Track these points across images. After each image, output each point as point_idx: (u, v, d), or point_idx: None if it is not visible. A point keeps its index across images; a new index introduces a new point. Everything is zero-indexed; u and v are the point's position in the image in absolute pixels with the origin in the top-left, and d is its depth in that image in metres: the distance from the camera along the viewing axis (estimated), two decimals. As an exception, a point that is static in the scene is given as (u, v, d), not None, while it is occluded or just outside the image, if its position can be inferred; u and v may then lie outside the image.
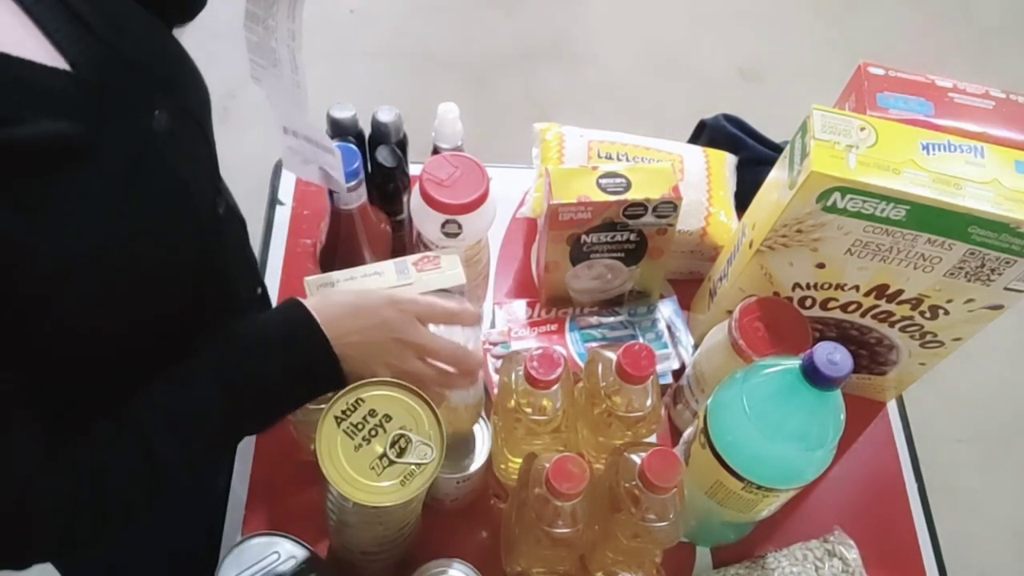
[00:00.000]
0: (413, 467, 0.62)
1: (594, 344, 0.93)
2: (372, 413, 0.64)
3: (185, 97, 0.65)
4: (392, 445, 0.62)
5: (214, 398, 0.62)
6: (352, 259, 0.82)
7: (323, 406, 0.65)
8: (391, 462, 0.62)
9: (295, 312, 0.65)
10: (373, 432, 0.63)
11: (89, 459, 0.59)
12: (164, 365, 0.63)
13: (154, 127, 0.59)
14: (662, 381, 0.92)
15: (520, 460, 0.73)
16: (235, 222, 0.78)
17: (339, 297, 0.68)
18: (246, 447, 0.87)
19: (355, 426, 0.63)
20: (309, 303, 0.65)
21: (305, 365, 0.65)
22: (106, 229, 0.55)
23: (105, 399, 0.61)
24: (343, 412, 0.64)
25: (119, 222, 0.56)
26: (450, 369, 0.68)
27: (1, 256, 0.49)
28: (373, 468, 0.62)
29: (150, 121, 0.59)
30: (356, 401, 0.64)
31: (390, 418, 0.64)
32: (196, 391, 0.62)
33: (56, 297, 0.54)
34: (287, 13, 0.60)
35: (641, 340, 0.94)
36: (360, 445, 0.63)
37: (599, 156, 0.99)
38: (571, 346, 0.93)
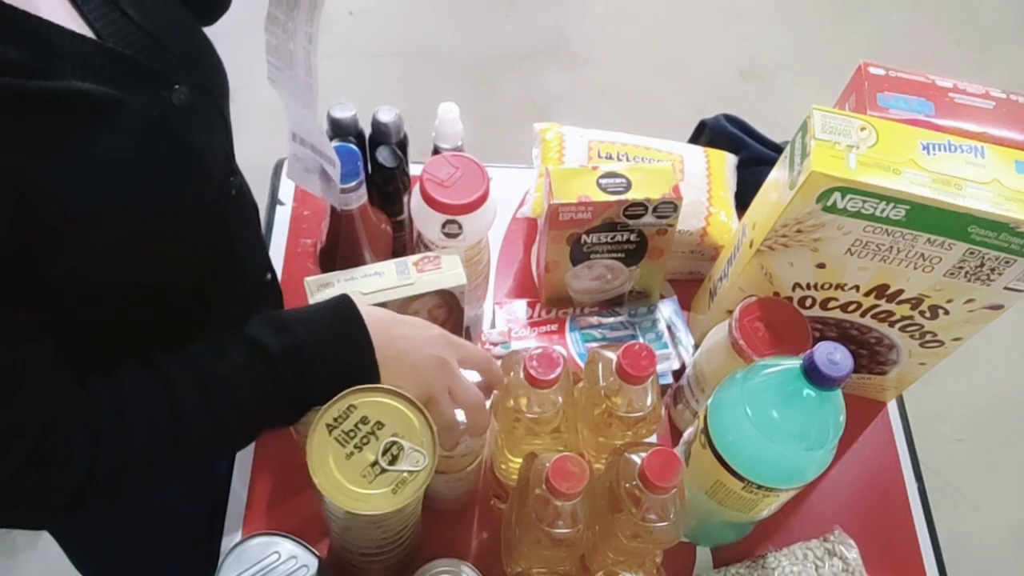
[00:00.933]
0: (405, 474, 0.62)
1: (594, 344, 0.93)
2: (364, 420, 0.63)
3: (205, 76, 0.67)
4: (384, 453, 0.62)
5: (248, 366, 0.63)
6: (352, 259, 0.82)
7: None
8: (383, 470, 0.62)
9: (343, 304, 0.67)
10: (365, 440, 0.63)
11: (112, 400, 0.60)
12: (177, 341, 0.64)
13: (173, 100, 0.61)
14: (662, 381, 0.92)
15: (520, 460, 0.73)
16: (247, 205, 0.79)
17: (385, 310, 0.70)
18: (246, 447, 0.87)
19: (347, 433, 0.63)
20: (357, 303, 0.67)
21: (346, 353, 0.65)
22: (122, 185, 0.56)
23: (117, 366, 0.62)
24: (335, 420, 0.63)
25: (135, 181, 0.58)
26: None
27: (24, 197, 0.51)
28: (364, 476, 0.61)
29: (170, 94, 0.61)
30: (348, 408, 0.64)
31: (382, 425, 0.63)
32: (232, 357, 0.63)
33: (71, 245, 0.55)
34: (306, 17, 0.61)
35: (641, 340, 0.94)
36: (352, 453, 0.62)
37: (599, 156, 0.99)
38: (571, 346, 0.93)
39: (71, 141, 0.53)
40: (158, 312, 0.66)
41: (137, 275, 0.62)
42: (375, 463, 0.62)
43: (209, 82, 0.67)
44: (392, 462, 0.62)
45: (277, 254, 1.01)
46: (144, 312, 0.65)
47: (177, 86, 0.61)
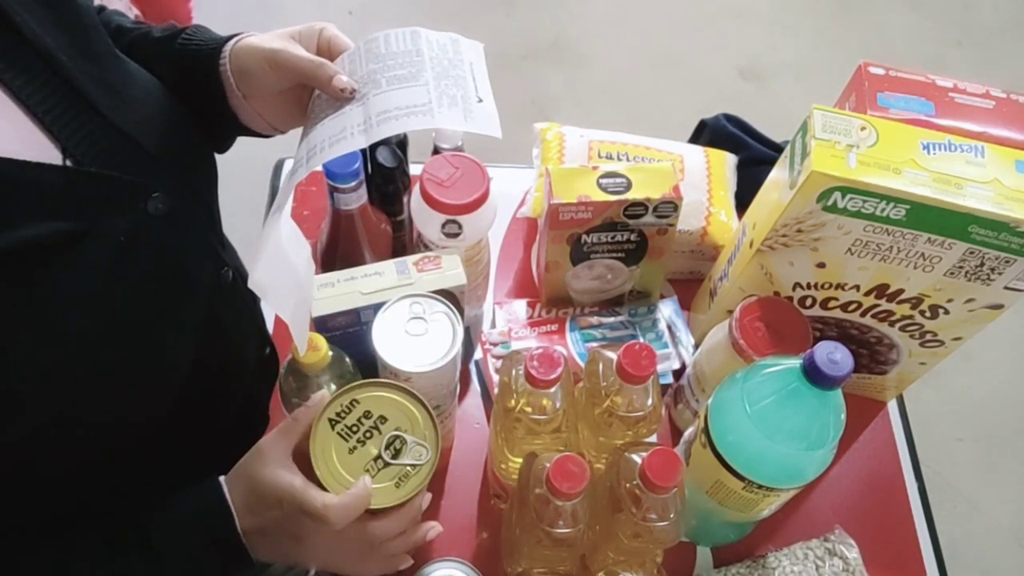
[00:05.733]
0: (408, 468, 0.62)
1: (594, 344, 0.93)
2: (367, 415, 0.64)
3: (187, 172, 0.63)
4: (387, 447, 0.63)
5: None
6: (352, 259, 0.82)
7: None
8: (386, 464, 0.62)
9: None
10: (368, 434, 0.63)
11: None
12: (168, 443, 0.62)
13: (150, 210, 0.56)
14: (662, 381, 0.92)
15: (520, 460, 0.73)
16: (242, 287, 0.72)
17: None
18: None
19: (350, 428, 0.63)
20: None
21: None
22: (86, 325, 0.51)
23: (103, 496, 0.59)
24: (338, 414, 0.64)
25: (102, 315, 0.52)
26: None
27: None
28: (367, 470, 0.62)
29: (145, 205, 0.56)
30: (351, 403, 0.64)
31: (385, 419, 0.64)
32: None
33: (35, 400, 0.50)
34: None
35: (641, 340, 0.94)
36: (355, 447, 0.63)
37: (599, 156, 0.99)
38: (571, 346, 0.93)
39: (29, 291, 0.48)
40: (147, 425, 0.61)
41: (117, 401, 0.56)
42: (378, 457, 0.62)
43: (192, 177, 0.63)
44: (395, 456, 0.62)
45: (277, 254, 1.01)
46: (130, 429, 0.59)
47: (156, 194, 0.56)
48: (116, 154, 0.55)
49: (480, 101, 0.60)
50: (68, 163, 0.52)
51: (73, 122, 0.53)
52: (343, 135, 0.58)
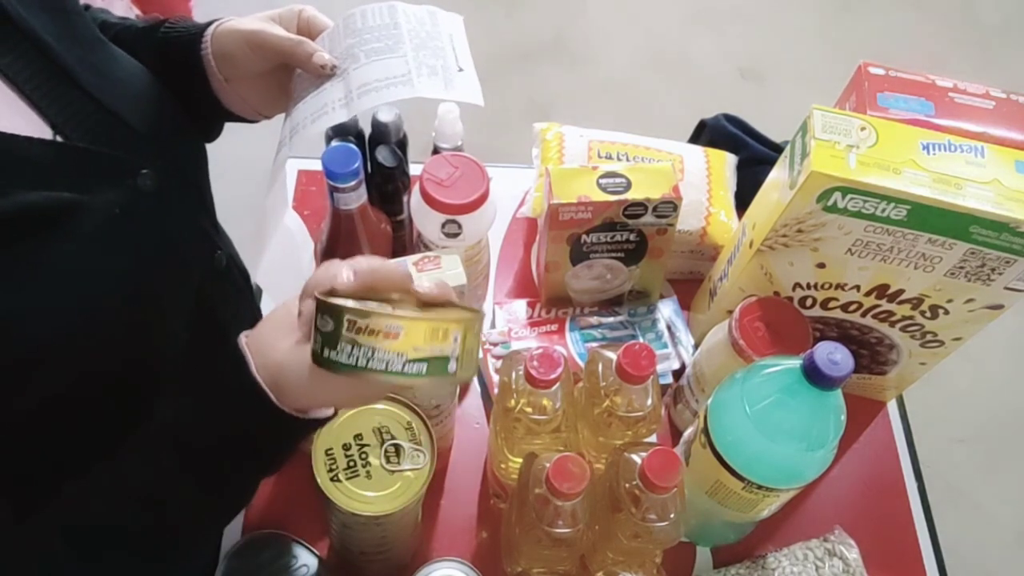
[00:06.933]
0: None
1: (594, 344, 0.93)
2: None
3: (176, 154, 0.63)
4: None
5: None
6: (352, 259, 0.82)
7: None
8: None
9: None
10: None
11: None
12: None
13: (140, 186, 0.56)
14: (662, 381, 0.92)
15: (520, 460, 0.73)
16: (235, 277, 0.74)
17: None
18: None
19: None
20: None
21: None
22: (85, 294, 0.52)
23: (89, 460, 0.57)
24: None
25: (99, 286, 0.53)
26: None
27: None
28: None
29: (135, 180, 0.56)
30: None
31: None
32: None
33: (33, 367, 0.50)
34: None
35: (641, 340, 0.94)
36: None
37: (599, 156, 0.99)
38: (571, 346, 0.93)
39: (22, 261, 0.48)
40: (138, 399, 0.58)
41: (111, 374, 0.55)
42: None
43: (180, 158, 0.63)
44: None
45: (277, 254, 1.01)
46: (121, 402, 0.57)
47: (144, 171, 0.57)
48: (104, 131, 0.56)
49: (461, 71, 0.61)
50: (58, 139, 0.53)
51: (61, 100, 0.54)
52: (324, 110, 0.58)
